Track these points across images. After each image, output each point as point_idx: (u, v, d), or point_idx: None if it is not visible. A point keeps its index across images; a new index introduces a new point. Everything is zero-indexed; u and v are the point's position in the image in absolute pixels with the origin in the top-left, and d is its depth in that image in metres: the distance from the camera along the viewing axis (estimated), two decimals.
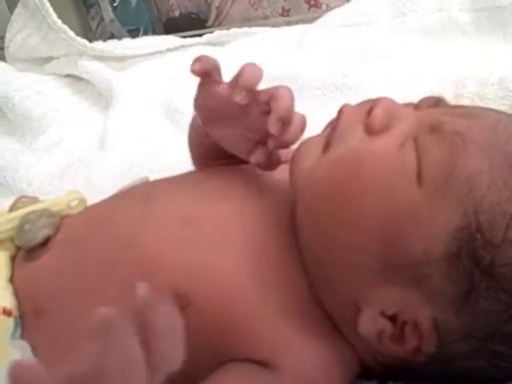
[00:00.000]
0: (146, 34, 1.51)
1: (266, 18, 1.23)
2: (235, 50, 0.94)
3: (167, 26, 1.41)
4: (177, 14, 1.39)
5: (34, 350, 0.53)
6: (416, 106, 0.52)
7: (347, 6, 0.93)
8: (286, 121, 0.50)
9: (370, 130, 0.48)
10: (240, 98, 0.49)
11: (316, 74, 0.84)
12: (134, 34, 1.53)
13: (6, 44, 1.00)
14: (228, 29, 1.01)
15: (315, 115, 0.59)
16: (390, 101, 0.50)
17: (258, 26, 1.11)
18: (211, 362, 0.47)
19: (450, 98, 0.65)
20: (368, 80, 0.80)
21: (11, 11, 1.33)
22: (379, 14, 0.89)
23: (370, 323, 0.45)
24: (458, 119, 0.46)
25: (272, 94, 0.50)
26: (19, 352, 0.53)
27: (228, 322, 0.48)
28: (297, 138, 0.51)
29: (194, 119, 0.59)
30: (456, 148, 0.44)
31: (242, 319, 0.48)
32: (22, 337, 0.54)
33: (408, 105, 0.52)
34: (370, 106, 0.49)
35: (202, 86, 0.53)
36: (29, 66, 1.00)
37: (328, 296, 0.49)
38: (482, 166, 0.43)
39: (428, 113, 0.49)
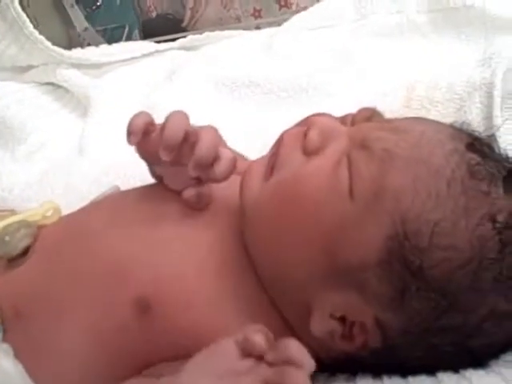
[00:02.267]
0: (131, 31, 1.54)
1: (238, 18, 1.25)
2: (207, 54, 0.97)
3: (144, 26, 1.44)
4: (154, 15, 1.41)
5: (16, 351, 0.57)
6: (353, 119, 0.56)
7: (311, 9, 0.96)
8: (206, 162, 0.53)
9: (307, 152, 0.52)
10: (164, 155, 0.53)
11: (282, 77, 0.87)
12: (118, 31, 1.56)
13: None
14: (201, 33, 1.04)
15: (282, 117, 0.63)
16: (325, 118, 0.54)
17: (231, 27, 1.13)
18: (164, 360, 0.51)
19: (402, 101, 0.69)
20: (331, 81, 0.84)
21: None
22: (342, 16, 0.92)
23: (321, 325, 0.50)
24: (387, 134, 0.50)
25: (197, 135, 0.53)
26: (2, 355, 0.56)
27: (185, 324, 0.52)
28: (225, 175, 0.54)
29: None
30: (383, 165, 0.48)
31: (199, 323, 0.52)
32: (4, 340, 0.58)
33: (346, 116, 0.56)
34: (306, 128, 0.53)
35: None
36: (9, 75, 1.01)
37: (283, 304, 0.53)
38: (407, 180, 0.47)
39: (360, 129, 0.53)
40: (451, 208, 0.46)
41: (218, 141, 0.55)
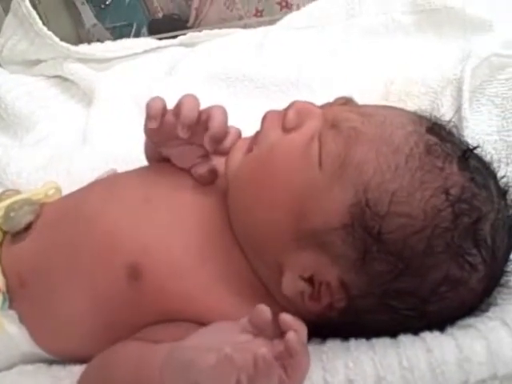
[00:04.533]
0: (139, 29, 1.59)
1: (241, 18, 1.31)
2: (205, 50, 1.03)
3: (151, 25, 1.49)
4: (160, 15, 1.47)
5: (21, 317, 0.63)
6: (330, 105, 0.62)
7: (303, 9, 1.01)
8: (219, 136, 0.59)
9: (284, 128, 0.58)
10: (182, 134, 0.59)
11: (274, 73, 0.92)
12: (127, 29, 1.61)
13: (0, 49, 1.09)
14: (200, 31, 1.10)
15: (273, 108, 0.68)
16: (304, 103, 0.59)
17: (233, 26, 1.19)
18: (155, 322, 0.57)
19: (381, 94, 0.75)
20: (319, 77, 0.89)
21: (6, 14, 1.42)
22: (331, 17, 0.97)
23: (291, 285, 0.54)
24: (355, 116, 0.56)
25: (209, 114, 0.59)
26: (8, 320, 0.62)
27: (173, 290, 0.57)
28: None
29: (146, 140, 0.68)
30: (350, 140, 0.53)
31: (186, 288, 0.57)
32: (10, 307, 0.63)
33: (325, 104, 0.62)
34: (286, 109, 0.59)
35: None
36: (20, 68, 1.08)
37: (259, 265, 0.58)
38: (370, 154, 0.52)
39: (332, 110, 0.59)
40: (408, 180, 0.51)
41: (227, 117, 0.61)
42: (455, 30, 0.89)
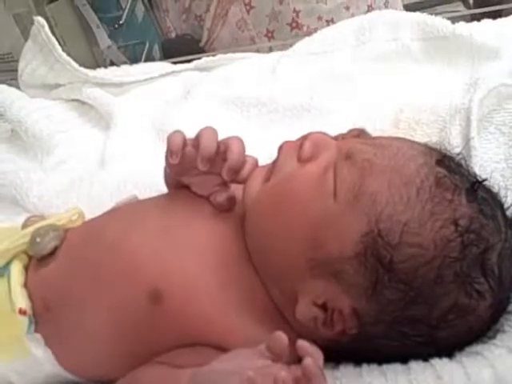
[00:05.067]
0: (151, 47, 1.62)
1: (253, 39, 1.34)
2: (219, 75, 1.06)
3: (164, 45, 1.53)
4: (173, 35, 1.50)
5: (46, 340, 0.65)
6: (343, 137, 0.64)
7: (314, 35, 1.04)
8: (237, 167, 0.62)
9: (301, 159, 0.60)
10: (202, 166, 0.62)
11: (286, 98, 0.95)
12: (140, 47, 1.64)
13: (20, 73, 1.10)
14: (214, 55, 1.12)
15: (285, 133, 0.71)
16: (319, 134, 0.62)
17: (246, 50, 1.22)
18: (175, 346, 0.59)
19: (391, 122, 0.77)
20: (330, 102, 0.92)
21: (24, 35, 1.45)
22: (342, 43, 1.00)
23: (305, 311, 0.56)
24: (369, 148, 0.58)
25: (227, 145, 0.62)
26: (34, 343, 0.64)
27: (192, 313, 0.59)
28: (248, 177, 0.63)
29: (165, 168, 0.70)
30: (364, 171, 0.56)
31: (204, 311, 0.59)
32: (36, 331, 0.65)
33: (338, 135, 0.65)
34: (302, 141, 0.61)
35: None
36: (39, 92, 1.10)
37: (274, 292, 0.60)
38: (383, 185, 0.54)
39: (347, 142, 0.61)
40: (419, 211, 0.53)
41: (244, 148, 0.63)
42: (463, 57, 0.91)
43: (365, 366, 0.56)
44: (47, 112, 1.06)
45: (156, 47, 1.65)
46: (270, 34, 1.35)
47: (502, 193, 0.61)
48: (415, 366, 0.54)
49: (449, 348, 0.56)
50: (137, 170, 0.91)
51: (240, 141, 0.63)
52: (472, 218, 0.54)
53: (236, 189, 0.66)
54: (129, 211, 0.70)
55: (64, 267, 0.67)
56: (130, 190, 0.84)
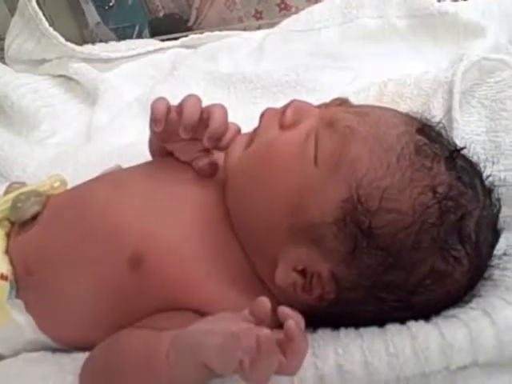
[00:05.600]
0: (141, 30, 1.62)
1: (241, 18, 1.34)
2: (206, 52, 1.06)
3: (152, 24, 1.52)
4: (161, 14, 1.50)
5: (27, 305, 0.65)
6: (326, 105, 0.64)
7: (301, 13, 1.04)
8: (218, 134, 0.62)
9: (282, 126, 0.60)
10: (184, 134, 0.62)
11: (273, 75, 0.95)
12: (130, 30, 1.64)
13: (6, 48, 1.11)
14: (201, 33, 1.12)
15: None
16: (301, 102, 0.62)
17: (233, 27, 1.22)
18: (156, 310, 0.59)
19: (375, 96, 0.77)
20: (316, 78, 0.92)
21: (12, 14, 1.45)
22: (330, 20, 1.00)
23: (284, 276, 0.57)
24: (351, 116, 0.58)
25: (210, 112, 0.62)
26: (15, 309, 0.64)
27: (173, 278, 0.59)
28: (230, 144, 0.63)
29: (150, 135, 0.71)
30: (345, 138, 0.56)
31: (185, 275, 0.59)
32: (17, 296, 0.65)
33: (321, 105, 0.65)
34: (284, 108, 0.61)
35: None
36: (25, 67, 1.10)
37: (255, 257, 0.60)
38: (363, 152, 0.55)
39: (329, 110, 0.61)
40: (398, 178, 0.53)
41: (227, 116, 0.64)
42: (449, 34, 0.92)
43: (342, 330, 0.56)
44: (33, 87, 1.06)
45: (146, 31, 1.64)
46: (258, 15, 1.35)
47: (483, 165, 0.61)
48: (392, 328, 0.55)
49: (426, 312, 0.56)
50: (122, 143, 0.92)
51: (223, 108, 0.64)
52: (450, 186, 0.54)
53: (219, 157, 0.66)
54: (112, 178, 0.70)
55: (45, 231, 0.67)
56: (115, 162, 0.83)
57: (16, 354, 0.65)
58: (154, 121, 0.63)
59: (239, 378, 0.47)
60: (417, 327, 0.54)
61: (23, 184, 0.73)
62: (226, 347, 0.45)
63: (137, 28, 1.60)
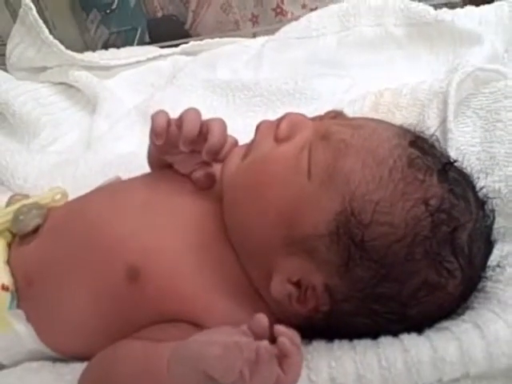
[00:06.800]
0: (143, 33, 1.63)
1: (237, 22, 1.34)
2: (205, 60, 1.07)
3: (150, 25, 1.53)
4: (159, 14, 1.50)
5: (28, 316, 0.66)
6: (321, 118, 0.65)
7: (300, 20, 1.05)
8: (217, 149, 0.63)
9: (277, 139, 0.61)
10: (184, 148, 0.63)
11: (272, 83, 0.96)
12: (132, 33, 1.65)
13: (7, 55, 1.11)
14: (201, 39, 1.13)
15: (271, 117, 0.71)
16: (296, 114, 0.63)
17: (229, 34, 1.22)
18: (153, 322, 0.59)
19: (370, 106, 0.78)
20: (314, 87, 0.93)
21: (14, 20, 1.45)
22: (328, 28, 1.00)
23: (279, 288, 0.57)
24: (345, 129, 0.59)
25: (209, 126, 0.63)
26: (16, 319, 0.65)
27: (170, 291, 0.60)
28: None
29: (150, 146, 0.72)
30: (338, 152, 0.56)
31: (182, 288, 0.60)
32: (18, 307, 0.66)
33: (316, 117, 0.66)
34: (279, 121, 0.62)
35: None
36: (26, 74, 1.11)
37: (251, 269, 0.61)
38: (356, 165, 0.55)
39: (323, 123, 0.62)
40: (391, 191, 0.54)
41: (226, 130, 0.64)
42: (445, 42, 0.92)
43: (336, 342, 0.57)
44: (35, 95, 1.07)
45: (147, 34, 1.65)
46: (254, 19, 1.36)
47: (477, 176, 0.61)
48: (384, 340, 0.55)
49: (419, 324, 0.57)
50: (122, 152, 0.92)
51: (222, 122, 0.64)
52: (443, 198, 0.55)
53: (218, 169, 0.66)
54: (111, 190, 0.71)
55: (46, 244, 0.68)
56: (114, 172, 0.84)
57: (17, 363, 0.66)
58: (154, 134, 0.64)
59: None
60: (409, 340, 0.54)
61: (25, 196, 0.74)
62: (227, 357, 0.46)
63: (139, 31, 1.61)
